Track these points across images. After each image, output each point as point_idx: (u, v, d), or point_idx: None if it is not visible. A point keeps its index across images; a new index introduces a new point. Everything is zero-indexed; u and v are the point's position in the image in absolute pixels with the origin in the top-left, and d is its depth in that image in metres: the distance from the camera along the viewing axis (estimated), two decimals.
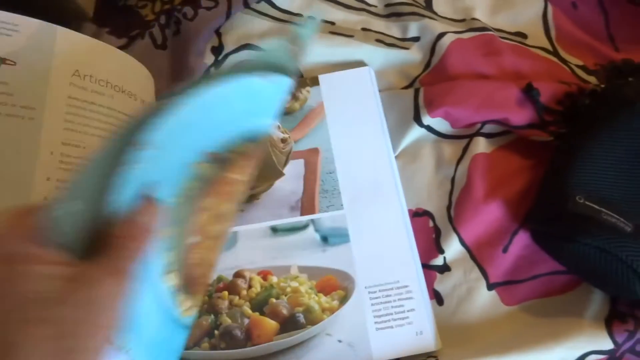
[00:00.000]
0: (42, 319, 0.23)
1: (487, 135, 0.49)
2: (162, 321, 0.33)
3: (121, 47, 0.51)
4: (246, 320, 0.43)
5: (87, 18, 0.50)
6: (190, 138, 0.32)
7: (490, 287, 0.45)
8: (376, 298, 0.44)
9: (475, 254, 0.46)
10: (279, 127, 0.50)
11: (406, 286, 0.45)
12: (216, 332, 0.43)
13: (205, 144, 0.33)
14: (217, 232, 0.35)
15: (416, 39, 0.53)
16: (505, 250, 0.46)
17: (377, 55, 0.52)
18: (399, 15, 0.54)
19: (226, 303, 0.45)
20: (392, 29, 0.53)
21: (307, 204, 0.48)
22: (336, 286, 0.45)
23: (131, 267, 0.27)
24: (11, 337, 0.23)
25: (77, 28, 0.52)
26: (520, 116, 0.47)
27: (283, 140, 0.50)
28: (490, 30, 0.52)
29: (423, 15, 0.53)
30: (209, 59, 0.52)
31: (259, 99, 0.35)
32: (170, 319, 0.33)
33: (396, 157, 0.49)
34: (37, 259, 0.25)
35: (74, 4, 0.47)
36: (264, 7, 0.53)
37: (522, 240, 0.46)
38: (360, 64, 0.53)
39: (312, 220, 0.47)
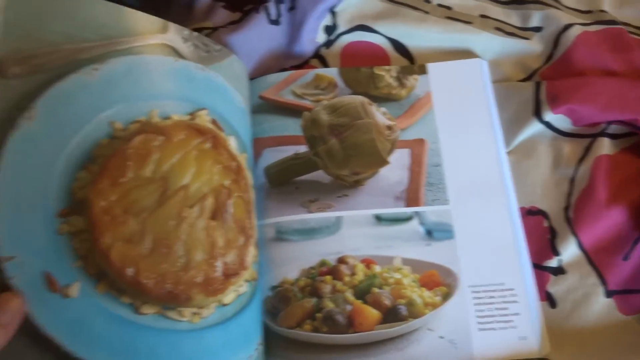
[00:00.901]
0: None
1: (612, 136, 0.47)
2: None
3: (235, 21, 0.50)
4: (348, 307, 0.43)
5: None
6: None
7: (608, 294, 0.43)
8: (479, 298, 0.43)
9: (594, 259, 0.44)
10: (385, 113, 0.48)
11: (511, 289, 0.43)
12: (318, 315, 0.42)
13: None
14: None
15: (538, 29, 0.50)
16: (625, 258, 0.44)
17: (495, 44, 0.50)
18: (520, 2, 0.51)
19: (329, 287, 0.44)
20: (513, 17, 0.51)
21: (412, 196, 0.46)
22: (439, 282, 0.44)
23: None
24: None
25: (192, 2, 0.51)
26: None
27: (389, 128, 0.48)
28: (618, 24, 0.50)
29: (547, 5, 0.50)
30: (321, 37, 0.51)
31: None
32: None
33: (508, 153, 0.47)
34: None
35: None
36: None
37: None
38: (472, 54, 0.51)
39: (417, 213, 0.46)
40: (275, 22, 0.50)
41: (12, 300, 0.33)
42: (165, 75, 0.41)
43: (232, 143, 0.44)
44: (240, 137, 0.45)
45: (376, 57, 0.51)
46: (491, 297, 0.43)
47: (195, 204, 0.38)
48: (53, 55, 0.36)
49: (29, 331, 0.32)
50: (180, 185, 0.38)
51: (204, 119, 0.42)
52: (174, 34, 0.42)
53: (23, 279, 0.33)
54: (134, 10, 0.40)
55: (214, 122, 0.43)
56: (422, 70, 0.50)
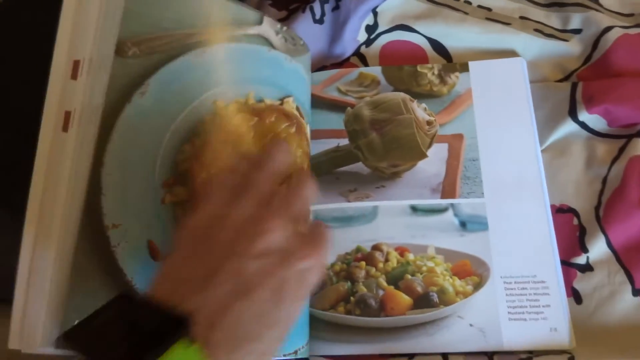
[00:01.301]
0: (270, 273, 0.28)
1: None
2: None
3: (281, 19, 0.54)
4: (381, 292, 0.45)
5: None
6: None
7: (635, 292, 0.44)
8: (511, 289, 0.45)
9: (623, 258, 0.45)
10: (425, 109, 0.51)
11: (543, 282, 0.44)
12: (352, 298, 0.45)
13: None
14: None
15: (577, 31, 0.51)
16: None
17: (534, 45, 0.51)
18: (561, 5, 0.52)
19: (363, 273, 0.47)
20: (552, 19, 0.52)
21: (448, 188, 0.49)
22: (471, 272, 0.46)
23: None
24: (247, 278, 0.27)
25: None
26: None
27: (429, 123, 0.50)
28: None
29: (588, 7, 0.51)
30: (362, 36, 0.53)
31: None
32: None
33: (542, 151, 0.49)
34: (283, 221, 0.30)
35: None
36: None
37: None
38: (512, 53, 0.52)
39: (452, 205, 0.48)
40: (319, 21, 0.53)
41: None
42: (260, 62, 0.46)
43: (307, 130, 0.48)
44: (309, 125, 0.49)
45: (415, 56, 0.53)
46: (523, 288, 0.44)
47: (282, 183, 0.42)
48: (166, 39, 0.40)
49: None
50: None
51: (290, 105, 0.47)
52: (268, 27, 0.47)
53: (127, 246, 0.35)
54: (235, 3, 0.45)
55: (297, 109, 0.47)
56: (464, 69, 0.52)
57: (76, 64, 0.36)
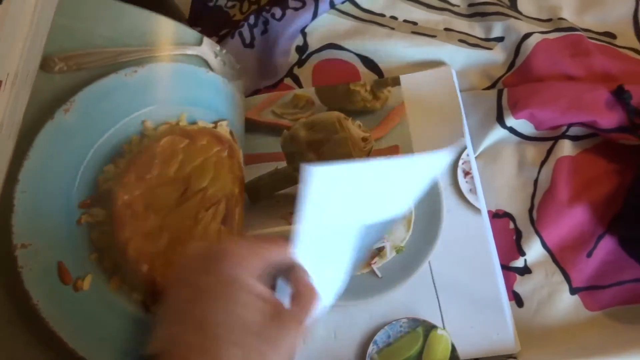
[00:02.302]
0: (238, 343, 0.28)
1: (573, 138, 0.48)
2: None
3: None
4: None
5: (184, 19, 0.53)
6: None
7: (573, 291, 0.45)
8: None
9: (558, 258, 0.46)
10: (359, 126, 0.51)
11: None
12: None
13: None
14: None
15: (500, 39, 0.53)
16: (589, 254, 0.45)
17: (460, 56, 0.53)
18: (482, 15, 0.54)
19: None
20: (476, 28, 0.54)
21: None
22: None
23: (308, 321, 0.32)
24: (217, 351, 0.28)
25: None
26: (609, 119, 0.46)
27: (364, 139, 0.51)
28: (578, 30, 0.51)
29: (508, 15, 0.52)
30: (293, 57, 0.54)
31: None
32: None
33: (476, 158, 0.50)
34: (252, 290, 0.30)
35: (173, 6, 0.50)
36: (347, 7, 0.54)
37: (607, 245, 0.45)
38: (441, 63, 0.53)
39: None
40: (249, 46, 0.53)
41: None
42: (197, 83, 0.45)
43: (240, 155, 0.47)
44: (242, 150, 0.49)
45: (347, 73, 0.54)
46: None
47: (210, 207, 0.41)
48: (97, 56, 0.40)
49: (32, 327, 0.33)
50: (199, 187, 0.41)
51: (224, 129, 0.46)
52: (207, 48, 0.46)
53: (36, 268, 0.34)
54: (174, 22, 0.44)
55: (231, 133, 0.46)
56: (396, 82, 0.52)
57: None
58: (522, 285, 0.46)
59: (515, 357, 0.43)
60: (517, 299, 0.45)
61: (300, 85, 0.54)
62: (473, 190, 0.48)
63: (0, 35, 0.36)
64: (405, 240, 0.47)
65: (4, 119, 0.34)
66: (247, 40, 0.53)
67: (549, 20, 0.53)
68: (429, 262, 0.46)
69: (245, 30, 0.53)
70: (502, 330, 0.44)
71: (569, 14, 0.53)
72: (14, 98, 0.35)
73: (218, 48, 0.47)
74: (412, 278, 0.45)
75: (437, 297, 0.45)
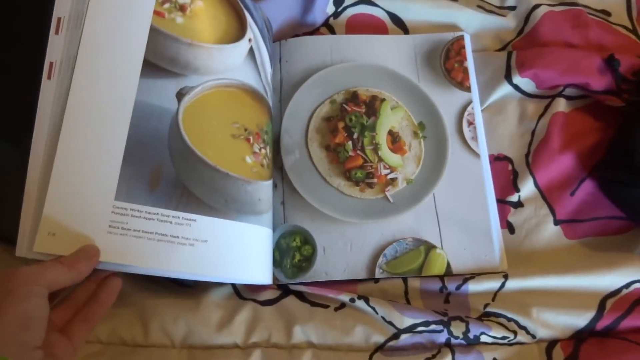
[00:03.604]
0: None
1: (568, 97, 0.57)
2: None
3: None
4: None
5: None
6: None
7: (556, 222, 0.54)
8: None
9: (546, 195, 0.54)
10: None
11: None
12: None
13: None
14: None
15: (512, 8, 0.60)
16: (572, 194, 0.54)
17: (477, 20, 0.60)
18: None
19: None
20: None
21: None
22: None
23: None
24: None
25: None
26: (600, 82, 0.54)
27: None
28: (579, 6, 0.59)
29: None
30: (331, 9, 0.60)
31: None
32: None
33: (483, 110, 0.57)
34: None
35: None
36: None
37: (587, 187, 0.54)
38: (457, 29, 0.60)
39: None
40: None
41: (112, 280, 0.42)
42: None
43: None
44: None
45: (376, 27, 0.61)
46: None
47: None
48: None
49: None
50: None
51: None
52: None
53: None
54: None
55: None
56: None
57: (59, 21, 0.42)
58: (515, 216, 0.54)
59: (505, 273, 0.52)
60: (509, 227, 0.54)
61: (334, 34, 0.60)
62: (475, 138, 0.56)
63: None
64: (415, 174, 0.55)
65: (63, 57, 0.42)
66: None
67: None
68: (434, 194, 0.54)
69: None
70: (489, 252, 0.52)
71: None
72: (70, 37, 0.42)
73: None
74: (418, 206, 0.54)
75: (438, 223, 0.54)
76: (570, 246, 0.54)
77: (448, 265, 0.52)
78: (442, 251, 0.52)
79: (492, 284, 0.51)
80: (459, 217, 0.53)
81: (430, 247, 0.52)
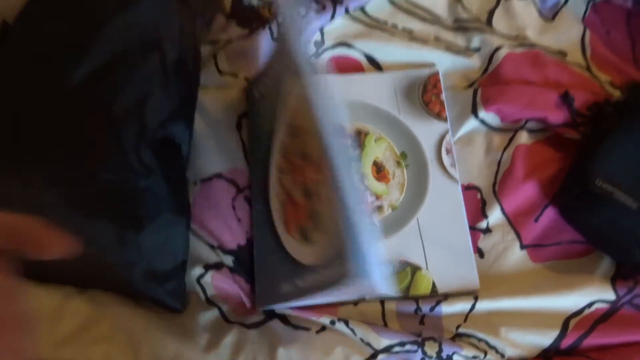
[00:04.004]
0: None
1: (529, 130, 0.62)
2: None
3: (244, 35, 0.64)
4: None
5: (225, 12, 0.64)
6: None
7: (522, 247, 0.58)
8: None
9: (513, 221, 0.59)
10: None
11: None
12: None
13: None
14: None
15: (477, 49, 0.66)
16: (536, 220, 0.58)
17: (446, 60, 0.65)
18: (465, 29, 0.67)
19: None
20: (459, 39, 0.66)
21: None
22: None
23: None
24: None
25: (213, 19, 0.65)
26: (557, 116, 0.59)
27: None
28: (537, 47, 0.65)
29: (484, 31, 0.66)
30: (311, 50, 0.65)
31: None
32: None
33: (454, 142, 0.62)
34: None
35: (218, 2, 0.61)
36: (358, 14, 0.66)
37: (550, 213, 0.59)
38: (431, 65, 0.65)
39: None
40: (276, 39, 0.64)
41: None
42: None
43: None
44: None
45: (353, 67, 0.65)
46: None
47: None
48: None
49: None
50: None
51: None
52: None
53: None
54: None
55: None
56: None
57: None
58: (484, 242, 0.58)
59: (476, 295, 0.55)
60: (479, 252, 0.58)
61: None
62: (453, 165, 0.60)
63: None
64: (400, 200, 0.59)
65: None
66: (275, 34, 0.64)
67: (516, 37, 0.66)
68: (417, 218, 0.58)
69: (273, 25, 0.64)
70: (470, 273, 0.56)
71: (531, 34, 0.67)
72: None
73: None
74: (403, 230, 0.58)
75: (423, 246, 0.57)
76: (535, 269, 0.57)
77: (433, 285, 0.55)
78: (428, 272, 0.56)
79: (464, 306, 0.54)
80: (442, 239, 0.57)
81: (416, 269, 0.56)
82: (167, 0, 0.56)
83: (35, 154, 0.50)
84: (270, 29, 0.64)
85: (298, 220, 0.50)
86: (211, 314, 0.52)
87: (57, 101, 0.52)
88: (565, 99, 0.60)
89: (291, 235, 0.51)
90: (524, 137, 0.61)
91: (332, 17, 0.64)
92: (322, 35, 0.65)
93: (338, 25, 0.66)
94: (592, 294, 0.54)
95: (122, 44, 0.53)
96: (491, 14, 0.67)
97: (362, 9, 0.66)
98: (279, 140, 0.55)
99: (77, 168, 0.51)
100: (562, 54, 0.66)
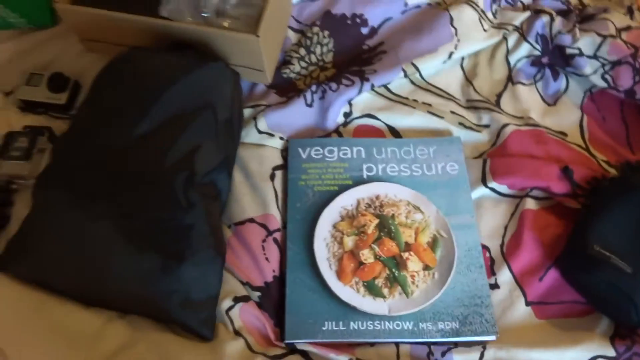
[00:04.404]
0: None
1: (535, 198, 0.68)
2: None
3: (282, 102, 0.73)
4: None
5: (268, 83, 0.74)
6: None
7: (527, 303, 0.62)
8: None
9: (519, 279, 0.64)
10: None
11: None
12: None
13: None
14: None
15: (487, 126, 0.74)
16: (541, 279, 0.63)
17: (458, 133, 0.73)
18: (476, 108, 0.76)
19: None
20: (471, 116, 0.75)
21: None
22: None
23: None
24: None
25: (253, 87, 0.75)
26: (559, 187, 0.66)
27: None
28: (540, 127, 0.73)
29: (494, 110, 0.74)
30: (341, 119, 0.74)
31: None
32: None
33: None
34: None
35: (263, 75, 0.71)
36: (382, 90, 0.76)
37: (553, 274, 0.64)
38: (450, 133, 0.74)
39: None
40: (309, 106, 0.73)
41: None
42: None
43: None
44: None
45: (376, 134, 0.74)
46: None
47: None
48: None
49: None
50: None
51: None
52: None
53: None
54: None
55: None
56: None
57: None
58: (492, 297, 0.63)
59: (484, 346, 0.59)
60: None
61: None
62: None
63: None
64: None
65: None
66: (309, 102, 0.73)
67: (522, 117, 0.75)
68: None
69: (307, 94, 0.73)
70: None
71: (535, 115, 0.75)
72: None
73: None
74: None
75: None
76: (539, 325, 0.62)
77: None
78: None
79: (473, 355, 0.58)
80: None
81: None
82: (223, 67, 0.66)
83: (109, 191, 0.58)
84: (305, 97, 0.73)
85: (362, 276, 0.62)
86: (237, 344, 0.56)
87: (124, 147, 0.60)
88: (566, 172, 0.67)
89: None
90: (529, 204, 0.68)
91: (360, 91, 0.74)
92: (350, 106, 0.75)
93: (365, 98, 0.75)
94: (593, 350, 0.58)
95: (182, 102, 0.63)
96: (499, 96, 0.77)
97: (386, 86, 0.76)
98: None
99: (133, 204, 0.58)
100: (563, 134, 0.75)
